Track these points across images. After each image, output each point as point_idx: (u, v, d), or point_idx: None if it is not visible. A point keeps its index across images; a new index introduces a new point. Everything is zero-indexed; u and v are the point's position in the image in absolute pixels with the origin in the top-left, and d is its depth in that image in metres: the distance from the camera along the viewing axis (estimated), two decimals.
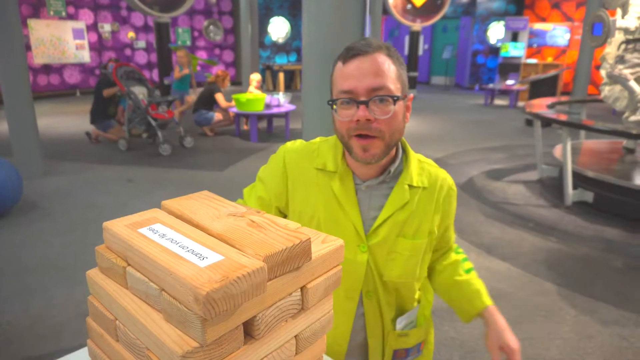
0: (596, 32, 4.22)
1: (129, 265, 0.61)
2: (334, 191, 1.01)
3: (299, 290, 0.65)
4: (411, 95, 1.01)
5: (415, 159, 1.06)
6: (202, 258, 0.56)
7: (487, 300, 1.09)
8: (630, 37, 4.17)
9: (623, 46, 4.28)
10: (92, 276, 0.67)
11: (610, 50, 4.50)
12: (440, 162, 5.68)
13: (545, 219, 3.86)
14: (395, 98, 0.91)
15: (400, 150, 1.05)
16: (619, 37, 4.33)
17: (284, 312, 0.63)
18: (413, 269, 1.04)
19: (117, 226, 0.65)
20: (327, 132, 1.17)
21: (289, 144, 1.10)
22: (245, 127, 7.35)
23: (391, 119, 0.92)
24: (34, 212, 3.85)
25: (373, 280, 1.03)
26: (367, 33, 12.96)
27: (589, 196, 4.08)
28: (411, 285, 1.08)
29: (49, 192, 4.36)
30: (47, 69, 11.26)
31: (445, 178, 1.08)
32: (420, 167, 1.06)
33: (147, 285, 0.57)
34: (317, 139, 1.10)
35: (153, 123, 5.67)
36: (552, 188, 4.67)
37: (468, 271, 1.14)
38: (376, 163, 0.97)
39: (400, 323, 1.09)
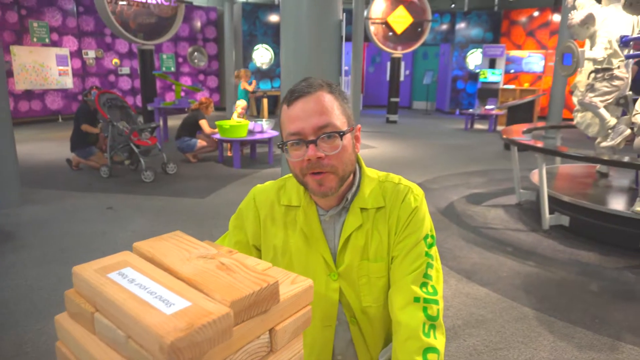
0: (566, 62, 4.39)
1: (97, 311, 0.62)
2: (300, 224, 1.05)
3: (267, 332, 0.67)
4: (358, 126, 1.05)
5: (374, 180, 1.06)
6: (169, 305, 0.57)
7: None
8: (599, 66, 4.35)
9: (592, 75, 4.46)
10: (61, 321, 0.68)
11: (581, 78, 4.68)
12: (421, 187, 5.71)
13: (523, 243, 3.93)
14: (341, 133, 0.95)
15: (358, 177, 1.07)
16: (588, 66, 4.51)
17: (251, 355, 0.64)
18: (385, 291, 1.04)
19: (87, 271, 0.66)
20: None
21: (258, 185, 1.15)
22: (229, 154, 7.37)
23: (341, 153, 0.96)
24: (9, 243, 3.76)
25: (350, 308, 1.04)
26: (345, 60, 13.26)
27: (565, 220, 4.17)
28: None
29: (25, 222, 4.28)
30: (28, 94, 11.18)
31: (407, 192, 1.05)
32: (380, 187, 1.06)
33: (114, 332, 0.58)
34: (286, 176, 1.14)
35: (136, 150, 5.65)
36: (530, 212, 4.76)
37: None
38: (333, 195, 1.00)
39: (383, 356, 1.08)
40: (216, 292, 0.61)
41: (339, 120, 0.96)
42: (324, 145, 0.94)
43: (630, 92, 4.57)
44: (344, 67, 15.58)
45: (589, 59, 4.34)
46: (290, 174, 1.11)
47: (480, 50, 14.42)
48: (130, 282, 0.63)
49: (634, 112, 3.96)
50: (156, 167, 6.07)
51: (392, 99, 12.12)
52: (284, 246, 1.06)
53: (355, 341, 1.07)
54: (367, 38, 11.83)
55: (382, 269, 1.03)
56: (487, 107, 11.73)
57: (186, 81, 14.08)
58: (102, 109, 5.66)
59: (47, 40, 11.32)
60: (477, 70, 14.32)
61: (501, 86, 13.42)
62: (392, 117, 12.23)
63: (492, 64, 13.83)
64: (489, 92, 13.10)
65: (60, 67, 11.64)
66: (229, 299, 0.59)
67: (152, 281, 0.64)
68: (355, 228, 1.02)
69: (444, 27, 15.32)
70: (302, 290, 0.74)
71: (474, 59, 14.84)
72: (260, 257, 1.13)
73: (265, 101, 12.80)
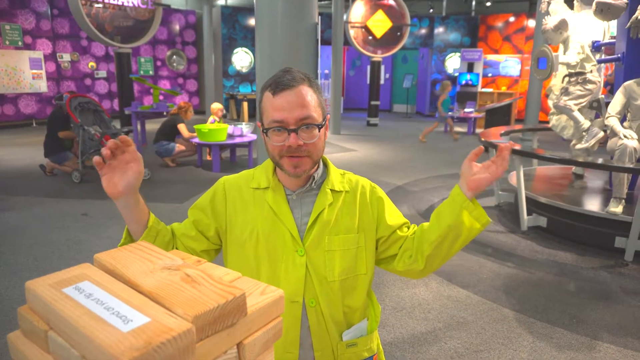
0: (541, 66, 4.48)
1: (51, 329, 0.58)
2: (269, 202, 1.14)
3: (235, 347, 0.64)
4: (328, 116, 1.19)
5: (337, 172, 1.22)
6: (126, 321, 0.54)
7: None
8: (572, 70, 4.44)
9: (566, 79, 4.55)
10: (13, 339, 0.64)
11: (556, 82, 4.78)
12: (402, 189, 5.78)
13: (503, 244, 3.97)
14: (320, 126, 1.09)
15: (321, 163, 1.21)
16: (562, 70, 4.61)
17: None
18: (350, 264, 1.14)
19: (40, 286, 0.62)
20: None
21: (225, 176, 1.25)
22: (208, 158, 7.28)
23: (317, 142, 1.09)
24: None
25: (313, 286, 1.11)
26: (326, 64, 13.28)
27: (543, 221, 4.24)
28: (355, 292, 1.15)
29: None
30: (1, 99, 10.87)
31: (365, 183, 1.24)
32: (342, 176, 1.22)
33: (68, 351, 0.54)
34: (254, 168, 1.25)
35: None
36: (509, 214, 4.82)
37: None
38: (304, 176, 1.12)
39: (347, 335, 1.15)
40: (178, 306, 0.58)
41: (317, 112, 1.09)
42: (303, 135, 1.06)
43: (603, 96, 4.68)
44: (325, 71, 15.63)
45: (562, 63, 4.42)
46: (259, 166, 1.23)
47: (458, 54, 14.63)
48: (87, 297, 0.59)
49: (607, 115, 4.05)
50: None
51: (373, 102, 12.19)
52: (252, 226, 1.14)
53: (311, 327, 1.11)
54: (347, 42, 11.87)
55: (351, 240, 1.15)
56: (466, 110, 11.90)
57: (165, 85, 13.90)
58: (73, 113, 5.52)
59: (20, 43, 11.03)
60: (456, 74, 14.52)
61: (479, 89, 13.62)
62: (373, 120, 12.29)
63: (470, 68, 14.04)
64: (468, 96, 13.29)
65: (34, 71, 11.35)
66: (191, 313, 0.56)
67: (110, 296, 0.60)
68: (327, 205, 1.14)
69: (423, 31, 15.50)
70: (272, 301, 0.71)
71: (453, 63, 15.04)
72: (218, 244, 1.20)
73: (245, 104, 12.73)
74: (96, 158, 1.02)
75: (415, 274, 1.20)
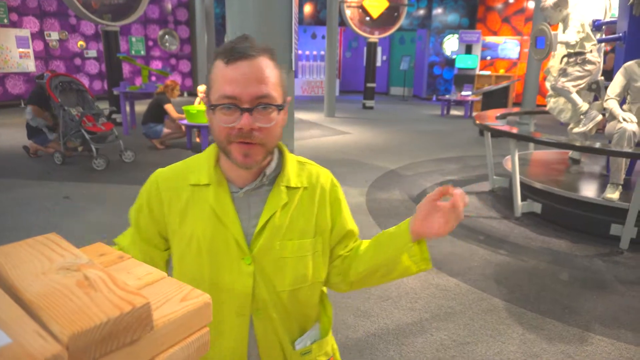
0: (539, 45, 4.30)
1: None
2: (210, 204, 0.95)
3: None
4: (288, 98, 0.99)
5: (294, 160, 1.04)
6: None
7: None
8: (572, 50, 4.27)
9: (565, 59, 4.38)
10: None
11: (554, 63, 4.61)
12: (395, 173, 5.65)
13: (495, 231, 3.86)
14: (279, 107, 0.91)
15: (276, 152, 1.01)
16: (561, 50, 4.43)
17: None
18: (305, 271, 0.99)
19: None
20: None
21: (159, 170, 1.03)
22: (197, 140, 7.11)
23: (273, 127, 0.91)
24: None
25: (262, 296, 0.96)
26: (321, 45, 12.92)
27: (537, 207, 4.12)
28: (308, 300, 1.02)
29: None
30: None
31: (327, 175, 1.07)
32: (300, 167, 1.03)
33: None
34: (188, 158, 1.04)
35: (87, 136, 5.35)
36: (503, 199, 4.71)
37: None
38: (255, 168, 0.95)
39: (300, 343, 1.02)
40: (56, 321, 0.45)
41: (277, 91, 0.91)
42: (258, 116, 0.88)
43: (602, 77, 4.53)
44: (321, 52, 15.32)
45: (561, 42, 4.25)
46: (198, 156, 1.03)
47: (456, 36, 14.35)
48: None
49: (606, 98, 3.91)
50: (114, 155, 5.79)
51: (369, 85, 11.97)
52: (191, 232, 0.96)
53: (258, 338, 0.98)
54: (343, 22, 11.59)
55: (306, 246, 0.99)
56: (463, 93, 11.70)
57: (157, 65, 13.61)
58: (53, 92, 5.31)
59: (5, 20, 10.73)
60: (454, 56, 14.27)
61: (477, 72, 13.40)
62: (369, 103, 12.09)
63: (468, 50, 13.78)
64: (465, 78, 13.07)
65: (21, 50, 11.06)
66: (68, 331, 0.43)
67: None
68: (281, 206, 0.97)
69: (421, 12, 15.18)
70: (195, 309, 0.57)
71: (451, 44, 14.77)
72: (167, 247, 1.03)
73: None
74: None
75: (336, 290, 1.11)
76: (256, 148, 0.90)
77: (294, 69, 1.72)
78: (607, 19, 4.45)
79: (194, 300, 0.58)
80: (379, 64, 14.72)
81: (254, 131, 0.88)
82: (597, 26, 4.33)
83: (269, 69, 0.89)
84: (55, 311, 0.46)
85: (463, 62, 13.42)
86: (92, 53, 12.50)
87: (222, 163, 0.98)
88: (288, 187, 0.99)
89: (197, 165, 1.00)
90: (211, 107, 0.91)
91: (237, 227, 0.95)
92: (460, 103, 11.72)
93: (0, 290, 0.52)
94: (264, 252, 0.95)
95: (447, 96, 11.80)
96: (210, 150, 0.99)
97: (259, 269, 0.96)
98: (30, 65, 11.28)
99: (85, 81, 12.14)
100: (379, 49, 14.41)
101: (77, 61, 12.28)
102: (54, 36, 11.74)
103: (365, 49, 12.26)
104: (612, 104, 3.82)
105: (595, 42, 4.26)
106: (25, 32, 11.12)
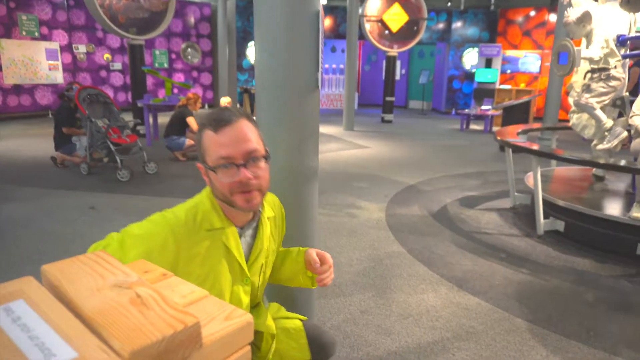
0: (562, 61, 4.27)
1: None
2: (225, 243, 1.16)
3: None
4: (266, 148, 1.21)
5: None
6: (49, 356, 0.44)
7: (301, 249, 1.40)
8: (595, 66, 4.23)
9: (589, 75, 4.33)
10: None
11: (577, 78, 4.56)
12: (414, 188, 5.63)
13: (517, 249, 3.81)
14: (266, 157, 1.13)
15: None
16: (584, 66, 4.39)
17: None
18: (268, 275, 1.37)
19: None
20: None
21: (172, 219, 1.12)
22: None
23: (265, 173, 1.13)
24: None
25: (249, 308, 1.28)
26: (341, 58, 13.04)
27: (560, 225, 4.06)
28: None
29: (2, 220, 4.12)
30: (17, 89, 10.98)
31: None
32: (265, 198, 1.26)
33: None
34: (189, 204, 1.18)
35: (112, 148, 5.48)
36: (524, 216, 4.65)
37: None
38: (257, 209, 1.20)
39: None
40: (117, 337, 0.48)
41: (259, 144, 1.13)
42: (252, 168, 1.10)
43: (627, 94, 4.46)
44: (340, 66, 15.43)
45: (585, 58, 4.21)
46: (192, 204, 1.17)
47: (476, 49, 14.31)
48: (13, 322, 0.50)
49: (631, 114, 3.84)
50: (138, 167, 5.91)
51: (388, 98, 11.99)
52: (210, 269, 1.14)
53: None
54: (362, 36, 11.68)
55: (274, 260, 1.37)
56: (483, 107, 11.62)
57: (179, 78, 13.90)
58: (82, 105, 5.48)
59: (36, 34, 11.12)
60: (474, 70, 14.21)
61: (497, 86, 13.31)
62: (388, 117, 12.10)
63: (488, 64, 13.71)
64: (485, 92, 12.98)
65: (50, 62, 11.44)
66: (129, 347, 0.46)
67: (42, 321, 0.51)
68: (268, 235, 1.27)
69: (440, 25, 15.20)
70: (238, 328, 0.60)
71: (470, 58, 14.73)
72: None
73: None
74: None
75: None
76: (255, 193, 1.11)
77: (319, 87, 1.75)
78: (632, 34, 4.40)
79: (237, 320, 0.61)
80: (398, 77, 14.76)
81: (251, 180, 1.08)
82: (621, 41, 4.27)
83: (249, 128, 1.10)
84: (113, 328, 0.49)
85: (483, 76, 13.35)
86: (117, 65, 12.83)
87: (225, 210, 1.17)
88: (268, 218, 1.27)
89: (207, 212, 1.15)
90: (211, 169, 1.09)
91: (242, 257, 1.19)
92: (480, 117, 11.64)
93: (61, 304, 0.56)
94: (256, 272, 1.24)
95: (466, 110, 11.73)
96: (212, 201, 1.16)
97: (253, 286, 1.24)
98: (59, 77, 11.64)
99: (110, 93, 12.46)
100: (398, 63, 14.45)
101: (103, 73, 12.62)
102: (81, 49, 12.11)
103: (384, 62, 12.30)
104: (637, 121, 3.75)
105: (620, 57, 4.20)
106: (54, 45, 11.50)
